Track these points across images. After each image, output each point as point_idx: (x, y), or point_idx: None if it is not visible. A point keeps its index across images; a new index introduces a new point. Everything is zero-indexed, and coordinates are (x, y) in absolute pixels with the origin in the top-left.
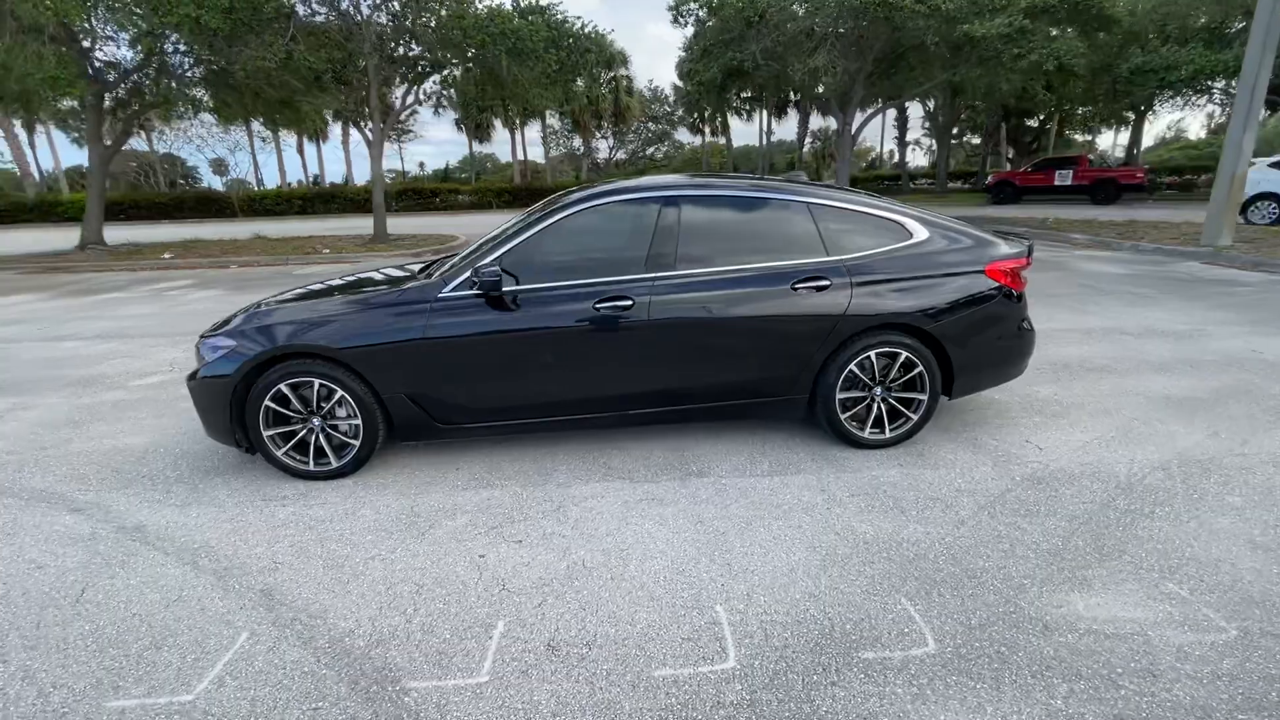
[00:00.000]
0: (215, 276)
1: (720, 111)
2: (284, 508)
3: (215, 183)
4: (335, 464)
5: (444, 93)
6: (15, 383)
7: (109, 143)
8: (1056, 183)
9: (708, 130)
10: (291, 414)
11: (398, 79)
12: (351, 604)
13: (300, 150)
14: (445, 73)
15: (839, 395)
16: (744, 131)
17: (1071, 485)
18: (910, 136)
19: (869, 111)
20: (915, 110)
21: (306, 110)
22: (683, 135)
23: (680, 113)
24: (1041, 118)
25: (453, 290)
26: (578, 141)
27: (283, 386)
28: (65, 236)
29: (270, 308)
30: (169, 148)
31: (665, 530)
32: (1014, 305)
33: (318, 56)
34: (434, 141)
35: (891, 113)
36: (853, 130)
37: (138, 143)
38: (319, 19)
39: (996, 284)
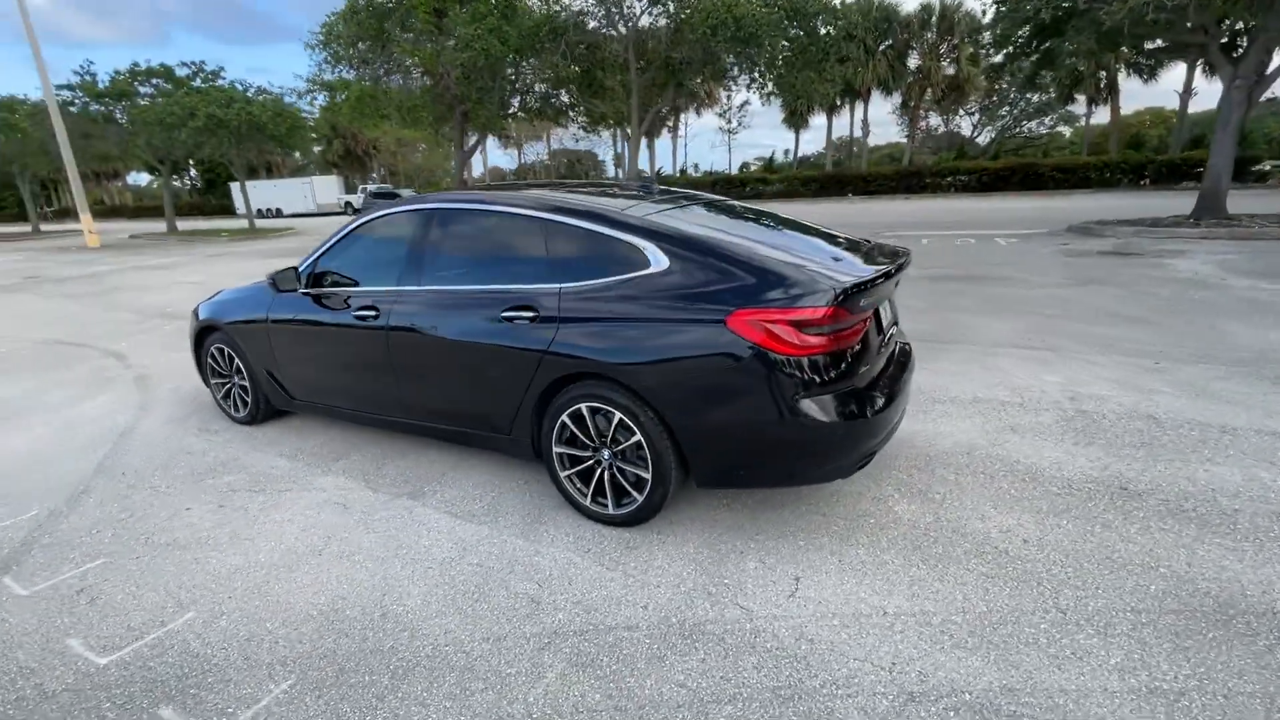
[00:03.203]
0: None
1: (1034, 77)
2: (195, 438)
3: (619, 174)
4: (243, 414)
5: (690, 87)
6: None
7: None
8: None
9: (1083, 99)
10: (221, 372)
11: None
12: (86, 514)
13: (650, 147)
14: (708, 68)
15: (555, 449)
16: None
17: (714, 648)
18: None
19: None
20: None
21: (598, 112)
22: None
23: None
24: None
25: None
26: (934, 120)
27: (212, 349)
28: None
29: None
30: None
31: (301, 538)
32: (777, 373)
33: (576, 69)
34: (814, 128)
35: None
36: (1251, 84)
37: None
38: (605, 32)
39: (745, 341)
